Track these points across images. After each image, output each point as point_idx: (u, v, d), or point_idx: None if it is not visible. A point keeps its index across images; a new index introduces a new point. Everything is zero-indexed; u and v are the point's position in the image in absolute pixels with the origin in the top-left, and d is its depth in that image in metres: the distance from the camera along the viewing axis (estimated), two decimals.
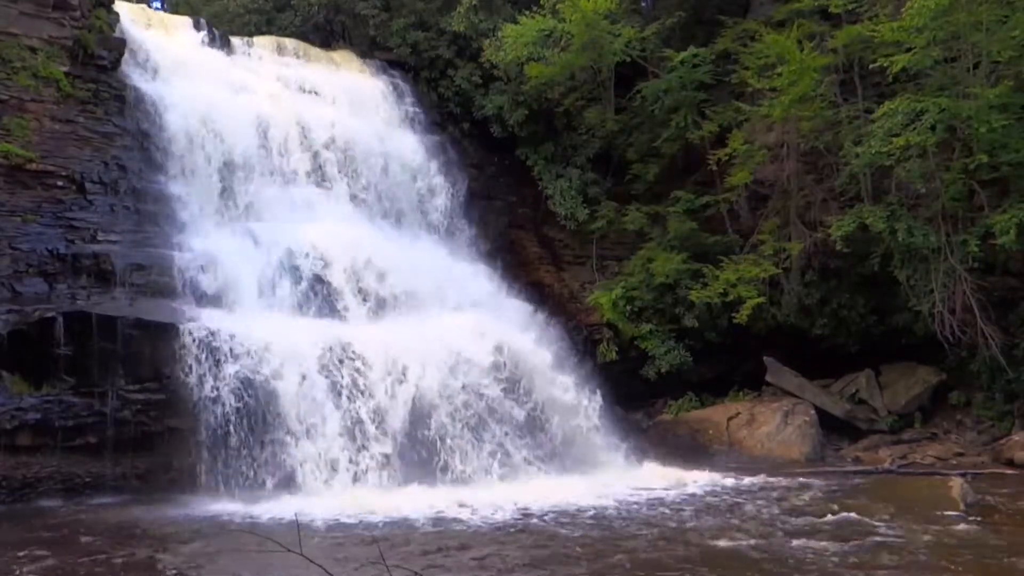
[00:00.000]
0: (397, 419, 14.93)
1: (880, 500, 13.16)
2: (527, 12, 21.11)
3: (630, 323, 20.06)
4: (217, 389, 14.25)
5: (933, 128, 16.00)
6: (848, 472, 16.42)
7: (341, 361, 15.11)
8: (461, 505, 13.00)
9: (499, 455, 15.41)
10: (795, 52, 17.84)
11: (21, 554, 10.51)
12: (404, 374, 15.39)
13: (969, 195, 16.97)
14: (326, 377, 14.84)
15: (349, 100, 20.59)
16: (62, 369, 14.11)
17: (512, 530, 11.74)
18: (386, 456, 14.52)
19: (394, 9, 22.59)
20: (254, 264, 16.51)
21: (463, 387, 15.74)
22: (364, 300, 16.91)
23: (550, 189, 21.66)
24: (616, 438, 17.25)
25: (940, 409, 19.01)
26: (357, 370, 15.10)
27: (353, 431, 14.53)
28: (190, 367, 14.27)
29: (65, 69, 15.50)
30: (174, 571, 10.11)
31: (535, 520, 12.29)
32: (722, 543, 10.84)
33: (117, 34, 16.99)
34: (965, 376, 18.34)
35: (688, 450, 18.24)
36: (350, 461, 14.30)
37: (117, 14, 17.28)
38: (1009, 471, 15.72)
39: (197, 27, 20.14)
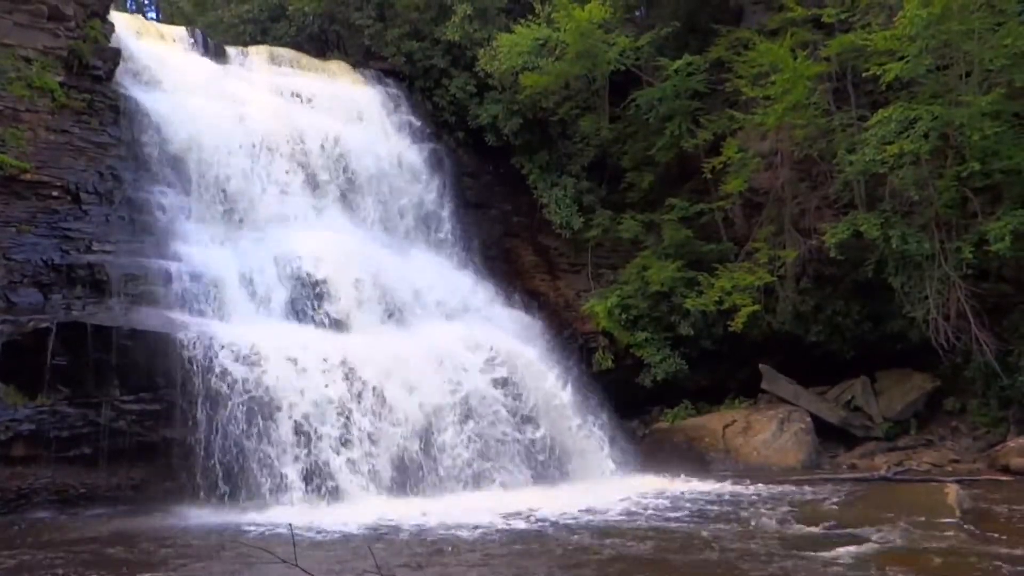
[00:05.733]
0: (393, 428, 14.91)
1: (876, 507, 13.17)
2: (522, 21, 21.17)
3: (625, 331, 20.07)
4: (212, 399, 14.21)
5: (926, 136, 16.08)
6: (844, 479, 16.42)
7: (336, 371, 15.09)
8: (458, 514, 12.96)
9: (495, 464, 15.40)
10: (788, 60, 17.92)
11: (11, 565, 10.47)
12: (400, 383, 15.38)
13: (962, 202, 17.04)
14: (322, 387, 14.81)
15: (344, 109, 20.58)
16: (57, 380, 14.02)
17: (508, 540, 11.71)
18: (383, 466, 14.50)
19: (389, 19, 22.64)
20: (249, 274, 16.47)
21: (459, 395, 15.73)
22: (359, 309, 16.89)
23: (545, 197, 21.68)
24: (613, 446, 17.25)
25: (935, 416, 19.04)
26: (353, 379, 15.08)
27: (349, 441, 14.51)
28: (185, 377, 14.23)
29: (60, 79, 15.48)
30: None
31: (531, 529, 12.26)
32: (719, 551, 10.82)
33: (112, 44, 16.96)
34: (960, 382, 18.37)
35: (684, 458, 18.24)
36: (346, 471, 14.27)
37: (112, 24, 17.27)
38: (1004, 477, 15.76)
39: (192, 37, 20.15)
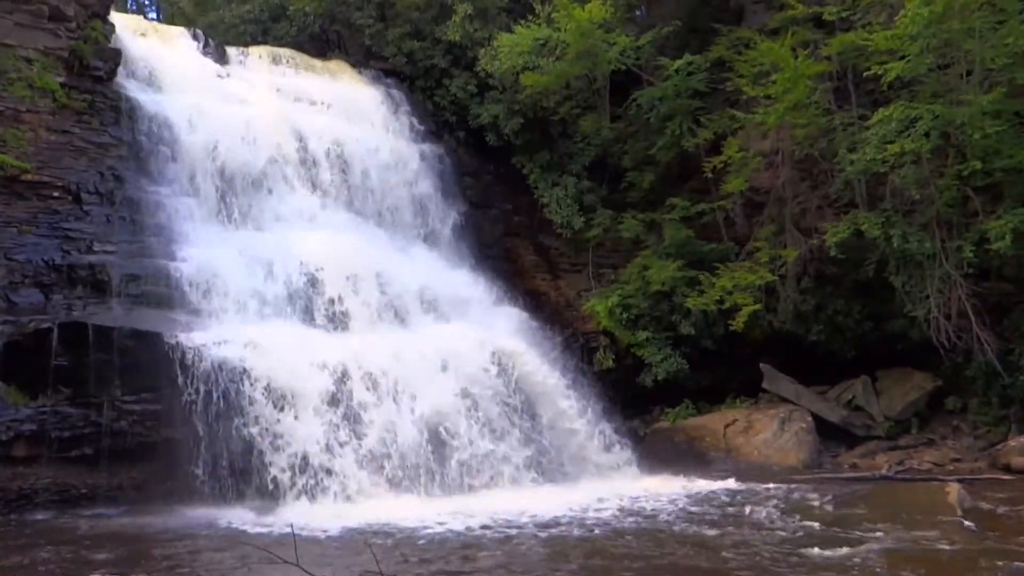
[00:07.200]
0: (395, 428, 14.91)
1: (878, 506, 13.17)
2: (522, 21, 21.16)
3: (626, 331, 20.07)
4: (214, 399, 14.22)
5: (927, 135, 16.06)
6: (845, 478, 16.42)
7: (339, 370, 15.10)
8: (459, 514, 12.97)
9: (496, 464, 15.40)
10: (789, 60, 17.91)
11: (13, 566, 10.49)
12: (402, 383, 15.38)
13: (963, 201, 17.02)
14: (324, 387, 14.82)
15: (345, 109, 20.59)
16: (58, 380, 14.06)
17: (509, 539, 11.72)
18: (384, 466, 14.50)
19: (389, 19, 22.65)
20: (250, 274, 16.46)
21: (460, 395, 15.73)
22: (361, 309, 16.88)
23: (546, 197, 21.68)
24: (613, 446, 17.24)
25: (936, 415, 19.02)
26: (354, 379, 15.08)
27: (351, 440, 14.51)
28: (186, 377, 14.23)
29: (61, 80, 15.48)
30: None
31: (534, 529, 12.26)
32: (721, 551, 10.83)
33: (113, 45, 16.97)
34: (961, 382, 18.35)
35: (685, 458, 18.24)
36: (349, 471, 14.27)
37: (112, 25, 17.28)
38: (1005, 476, 15.75)
39: (193, 37, 20.15)
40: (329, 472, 14.19)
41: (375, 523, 12.50)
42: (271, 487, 13.96)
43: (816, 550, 10.58)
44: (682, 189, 21.07)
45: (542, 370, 17.07)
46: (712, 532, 11.84)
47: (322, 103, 20.39)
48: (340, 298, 16.75)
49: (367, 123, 20.73)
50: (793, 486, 15.38)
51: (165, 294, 15.47)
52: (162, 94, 17.84)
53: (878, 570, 9.72)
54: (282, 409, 14.38)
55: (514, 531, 12.10)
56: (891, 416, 18.89)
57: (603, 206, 21.54)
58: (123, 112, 16.66)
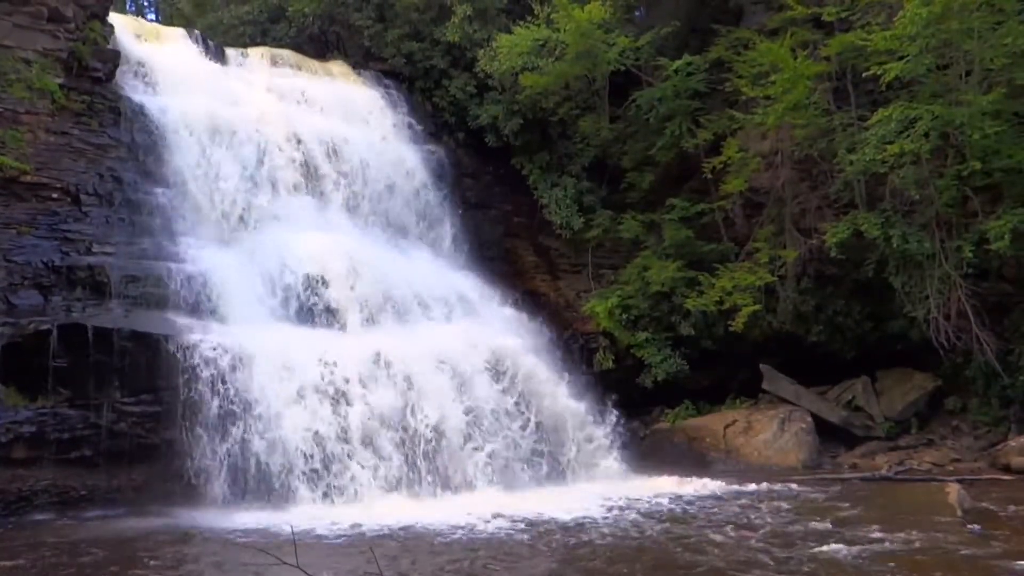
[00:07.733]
0: (394, 429, 14.90)
1: (878, 507, 13.18)
2: (521, 22, 21.18)
3: (626, 331, 20.07)
4: (213, 400, 14.21)
5: (926, 135, 16.07)
6: (845, 479, 16.42)
7: (336, 372, 15.08)
8: (459, 515, 12.95)
9: (495, 465, 15.38)
10: (788, 60, 17.92)
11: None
12: (401, 384, 15.37)
13: (963, 201, 17.03)
14: (322, 388, 14.81)
15: (344, 110, 20.59)
16: (57, 382, 14.03)
17: (508, 541, 11.70)
18: (384, 467, 14.49)
19: (388, 20, 22.65)
20: (249, 275, 16.47)
21: (460, 396, 15.72)
22: (360, 310, 16.88)
23: (545, 198, 21.68)
24: (613, 447, 17.24)
25: (936, 415, 19.03)
26: (353, 381, 15.07)
27: (350, 442, 14.49)
28: (185, 379, 14.22)
29: (60, 81, 15.46)
30: None
31: (531, 531, 12.25)
32: (719, 551, 10.82)
33: (111, 46, 16.98)
34: (961, 382, 18.36)
35: (686, 458, 18.24)
36: (348, 472, 14.26)
37: (111, 26, 17.28)
38: (1005, 476, 15.76)
39: (191, 39, 20.16)
40: (328, 474, 14.15)
41: (375, 524, 12.46)
42: (270, 488, 13.93)
43: (820, 550, 10.57)
44: (682, 189, 21.06)
45: (541, 371, 17.04)
46: (710, 533, 11.82)
47: (321, 104, 20.39)
48: (338, 300, 16.73)
49: (366, 124, 20.74)
50: (794, 487, 15.38)
51: (164, 295, 15.44)
52: (161, 95, 17.83)
53: (877, 570, 9.71)
54: (280, 410, 14.33)
55: (518, 534, 12.08)
56: (891, 416, 18.89)
57: (603, 207, 21.54)
58: (122, 113, 16.65)
